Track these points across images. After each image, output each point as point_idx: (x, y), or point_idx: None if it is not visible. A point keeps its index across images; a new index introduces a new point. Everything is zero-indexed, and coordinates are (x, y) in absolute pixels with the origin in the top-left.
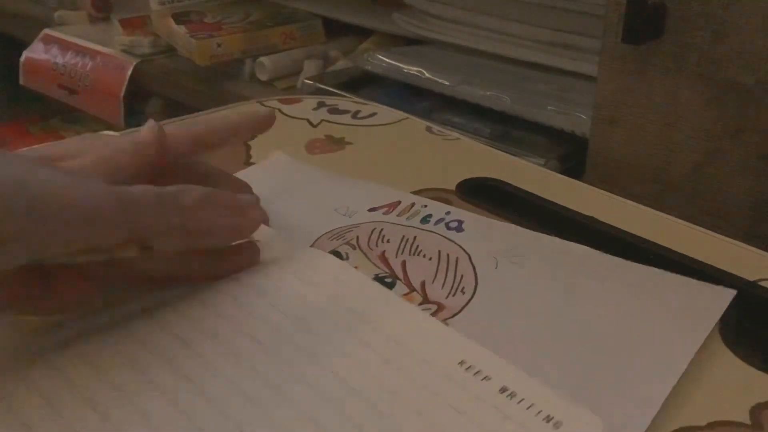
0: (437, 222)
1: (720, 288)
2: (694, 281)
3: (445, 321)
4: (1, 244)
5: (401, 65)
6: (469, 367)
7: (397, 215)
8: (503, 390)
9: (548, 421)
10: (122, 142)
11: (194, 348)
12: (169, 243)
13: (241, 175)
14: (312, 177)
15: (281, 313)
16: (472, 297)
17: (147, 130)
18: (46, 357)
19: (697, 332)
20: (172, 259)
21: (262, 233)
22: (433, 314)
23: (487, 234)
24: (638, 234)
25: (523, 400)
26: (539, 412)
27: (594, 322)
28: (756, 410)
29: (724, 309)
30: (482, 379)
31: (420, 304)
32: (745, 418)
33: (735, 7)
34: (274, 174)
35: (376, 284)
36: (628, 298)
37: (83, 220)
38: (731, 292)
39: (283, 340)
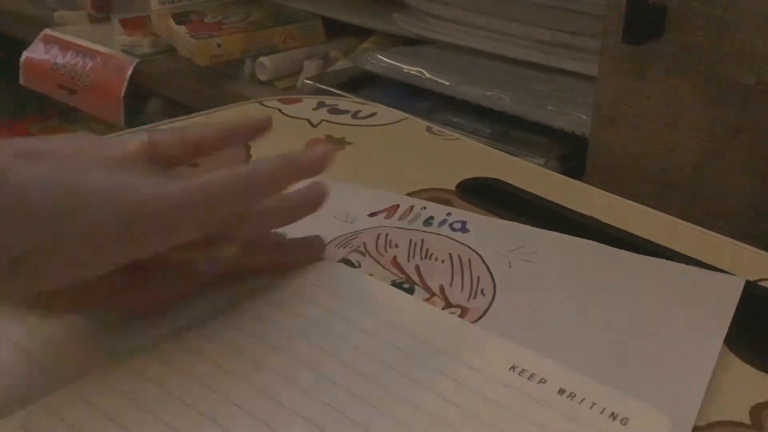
0: (440, 224)
1: (730, 276)
2: (703, 271)
3: (472, 323)
4: (94, 250)
5: (401, 65)
6: (522, 371)
7: (399, 219)
8: (562, 391)
9: (614, 419)
10: (113, 148)
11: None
12: (253, 228)
13: None
14: (303, 183)
15: (335, 341)
16: (493, 298)
17: (136, 142)
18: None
19: (719, 321)
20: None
21: None
22: (459, 317)
23: (493, 233)
24: (638, 234)
25: (584, 399)
26: (603, 410)
27: (618, 315)
28: (756, 410)
29: (738, 296)
30: (538, 382)
31: (443, 308)
32: (745, 418)
33: (735, 7)
34: None
35: (408, 295)
36: (645, 289)
37: (167, 220)
38: (742, 280)
39: (340, 367)
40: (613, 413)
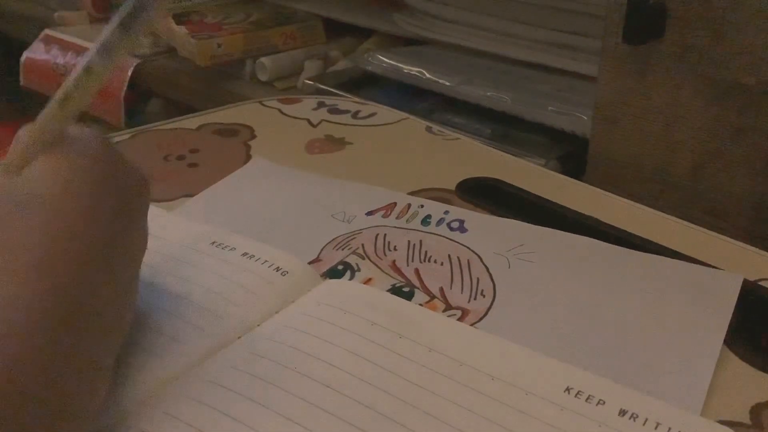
0: (438, 223)
1: (728, 273)
2: (702, 268)
3: (473, 325)
4: None
5: (401, 65)
6: (578, 392)
7: (396, 218)
8: (623, 412)
9: None
10: None
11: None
12: None
13: (223, 183)
14: (301, 182)
15: (375, 369)
16: (493, 299)
17: None
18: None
19: (719, 318)
20: None
21: (286, 261)
22: (459, 319)
23: (491, 232)
24: (639, 234)
25: (647, 420)
26: (669, 430)
27: (618, 312)
28: (756, 410)
29: (737, 293)
30: (597, 404)
31: (444, 311)
32: (745, 418)
33: (735, 7)
34: (259, 180)
35: (443, 316)
36: (644, 286)
37: None
38: (740, 277)
39: (384, 396)
40: None
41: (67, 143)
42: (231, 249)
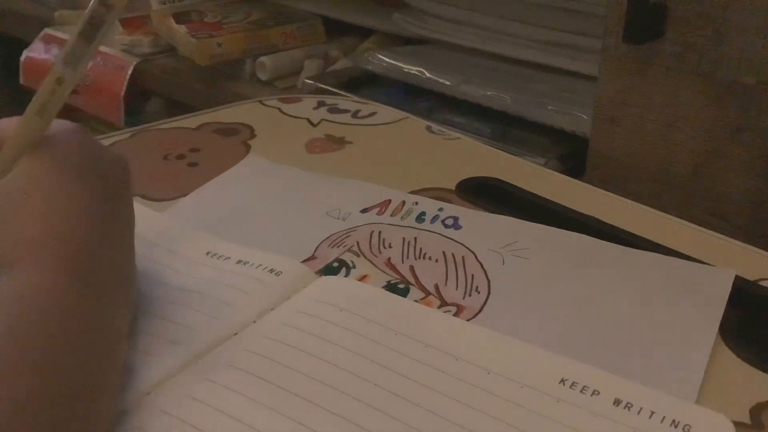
0: (433, 220)
1: (721, 269)
2: (694, 264)
3: (468, 321)
4: None
5: (401, 65)
6: (573, 384)
7: (391, 215)
8: (617, 402)
9: (676, 427)
10: None
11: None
12: None
13: (217, 180)
14: (295, 179)
15: (374, 366)
16: (488, 296)
17: None
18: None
19: (712, 313)
20: None
21: (278, 262)
22: (454, 315)
23: (486, 229)
24: (638, 233)
25: (642, 409)
26: (663, 419)
27: (612, 308)
28: (756, 410)
29: (729, 288)
30: (591, 395)
31: (439, 307)
32: (745, 418)
33: (735, 7)
34: (255, 178)
35: (438, 312)
36: (638, 282)
37: None
38: (731, 273)
39: (382, 393)
40: (674, 421)
41: (47, 143)
42: (226, 258)
